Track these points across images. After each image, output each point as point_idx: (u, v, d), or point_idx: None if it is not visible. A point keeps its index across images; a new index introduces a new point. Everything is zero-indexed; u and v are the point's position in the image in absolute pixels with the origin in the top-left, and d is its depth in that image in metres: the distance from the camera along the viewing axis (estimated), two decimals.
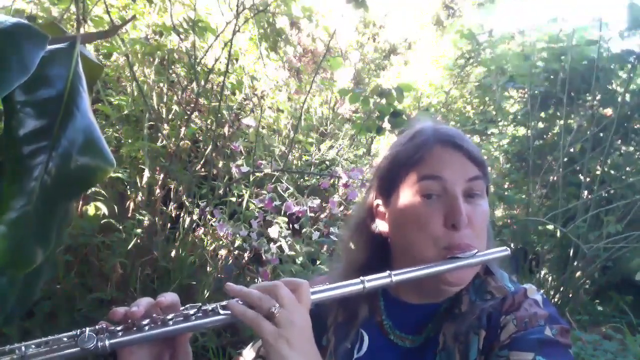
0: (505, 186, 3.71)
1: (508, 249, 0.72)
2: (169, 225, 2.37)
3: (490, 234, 0.77)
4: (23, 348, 0.50)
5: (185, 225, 2.32)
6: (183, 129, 2.31)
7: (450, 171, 0.70)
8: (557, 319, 0.67)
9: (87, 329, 0.53)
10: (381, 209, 0.79)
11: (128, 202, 2.35)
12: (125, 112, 2.32)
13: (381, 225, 0.79)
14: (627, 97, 3.19)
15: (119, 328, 0.55)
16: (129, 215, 2.26)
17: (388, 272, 0.65)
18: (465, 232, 0.68)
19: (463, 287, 0.72)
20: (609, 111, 3.35)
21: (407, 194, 0.72)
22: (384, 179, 0.78)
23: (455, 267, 0.67)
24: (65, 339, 0.53)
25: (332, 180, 2.46)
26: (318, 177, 2.78)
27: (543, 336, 0.63)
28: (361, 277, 0.63)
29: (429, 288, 0.73)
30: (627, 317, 2.71)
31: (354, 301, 0.78)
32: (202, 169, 2.53)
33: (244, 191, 2.45)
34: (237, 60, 2.86)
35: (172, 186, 2.35)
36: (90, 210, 2.06)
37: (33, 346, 0.51)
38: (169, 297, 0.60)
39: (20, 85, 0.35)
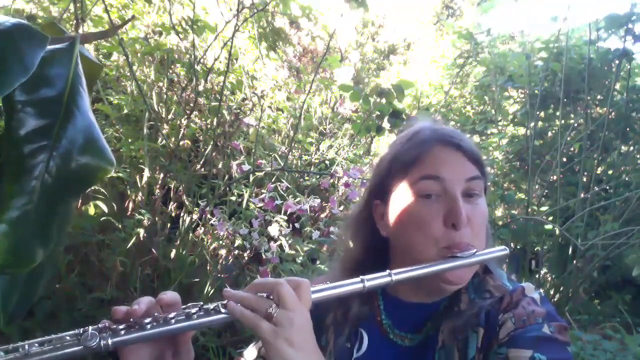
0: (505, 186, 3.71)
1: (507, 248, 0.72)
2: (169, 224, 2.37)
3: (489, 233, 0.78)
4: (26, 346, 0.51)
5: (185, 225, 2.32)
6: (183, 129, 2.32)
7: (450, 171, 0.70)
8: (555, 317, 0.67)
9: (90, 327, 0.54)
10: (380, 208, 0.79)
11: (128, 202, 2.35)
12: (125, 111, 2.32)
13: (380, 225, 0.79)
14: (619, 95, 3.20)
15: (121, 327, 0.55)
16: (129, 214, 2.26)
17: (388, 271, 0.65)
18: (465, 231, 0.68)
19: (462, 286, 0.73)
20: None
21: (406, 194, 0.73)
22: (382, 179, 0.79)
23: (454, 266, 0.67)
24: (68, 338, 0.53)
25: (332, 180, 2.46)
26: (318, 176, 2.78)
27: (541, 333, 0.64)
28: (361, 277, 0.64)
29: (429, 287, 0.73)
30: (626, 316, 2.71)
31: (353, 301, 0.79)
32: (202, 169, 2.53)
33: (244, 190, 2.45)
34: (236, 59, 2.86)
35: (172, 186, 2.35)
36: (90, 209, 2.06)
37: (36, 344, 0.51)
38: (170, 295, 0.60)
39: (21, 85, 0.35)
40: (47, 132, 0.37)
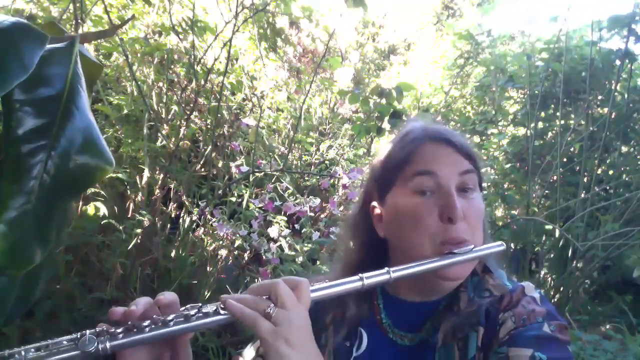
0: (505, 186, 3.71)
1: (504, 243, 0.73)
2: (169, 225, 2.36)
3: (487, 229, 0.78)
4: (23, 352, 0.50)
5: (185, 225, 2.32)
6: (183, 129, 2.31)
7: (443, 166, 0.71)
8: (555, 316, 0.67)
9: (88, 331, 0.53)
10: (377, 209, 0.79)
11: (128, 202, 2.35)
12: (125, 112, 2.32)
13: (378, 226, 0.79)
14: (620, 95, 3.20)
15: (119, 330, 0.54)
16: (129, 215, 2.26)
17: (386, 268, 0.65)
18: (461, 225, 0.68)
19: (461, 285, 0.73)
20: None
21: (402, 192, 0.73)
22: (378, 180, 0.79)
23: (452, 262, 0.67)
24: (65, 342, 0.52)
25: (332, 181, 2.46)
26: (318, 177, 2.78)
27: (541, 332, 0.64)
28: (360, 274, 0.64)
29: (427, 284, 0.73)
30: (627, 316, 2.71)
31: (353, 300, 0.79)
32: (202, 169, 2.53)
33: (244, 191, 2.45)
34: (236, 60, 2.86)
35: (172, 186, 2.35)
36: (90, 210, 2.06)
37: (33, 350, 0.51)
38: (168, 295, 0.60)
39: (20, 84, 0.35)
40: (46, 131, 0.37)
